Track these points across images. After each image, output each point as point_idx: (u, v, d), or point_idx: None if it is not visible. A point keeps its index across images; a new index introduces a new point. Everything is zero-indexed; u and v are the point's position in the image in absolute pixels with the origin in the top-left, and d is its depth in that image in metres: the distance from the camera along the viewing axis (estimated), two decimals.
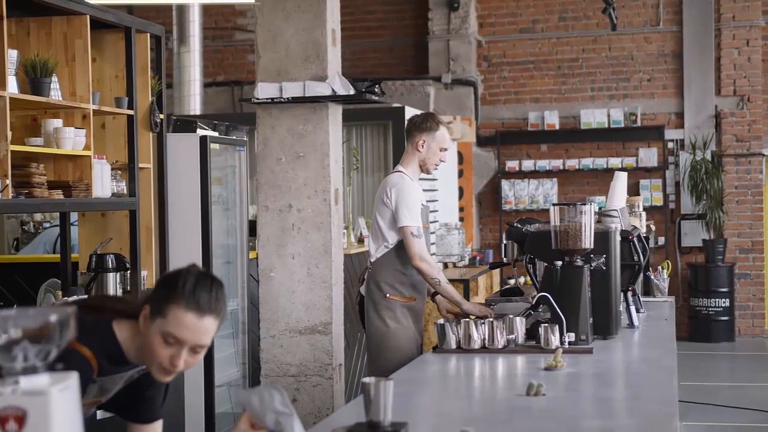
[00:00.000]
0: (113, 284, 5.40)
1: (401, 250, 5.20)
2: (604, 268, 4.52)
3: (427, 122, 5.31)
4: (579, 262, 4.40)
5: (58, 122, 5.02)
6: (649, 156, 12.61)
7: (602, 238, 4.54)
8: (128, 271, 5.56)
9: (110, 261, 5.41)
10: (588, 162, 12.71)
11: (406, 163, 5.34)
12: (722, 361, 11.54)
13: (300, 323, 5.77)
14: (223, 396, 6.65)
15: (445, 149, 5.34)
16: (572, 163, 12.75)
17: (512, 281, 12.32)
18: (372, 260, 5.32)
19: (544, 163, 12.82)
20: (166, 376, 2.63)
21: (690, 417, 8.18)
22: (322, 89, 5.83)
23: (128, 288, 5.60)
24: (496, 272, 11.29)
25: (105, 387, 2.70)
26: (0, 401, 1.71)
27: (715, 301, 12.19)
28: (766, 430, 8.06)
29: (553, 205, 4.47)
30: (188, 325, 2.55)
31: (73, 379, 1.79)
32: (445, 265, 10.30)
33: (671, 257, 12.56)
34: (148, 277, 5.85)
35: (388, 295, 5.20)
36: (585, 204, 4.43)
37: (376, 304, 5.23)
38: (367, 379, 2.75)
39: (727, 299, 12.22)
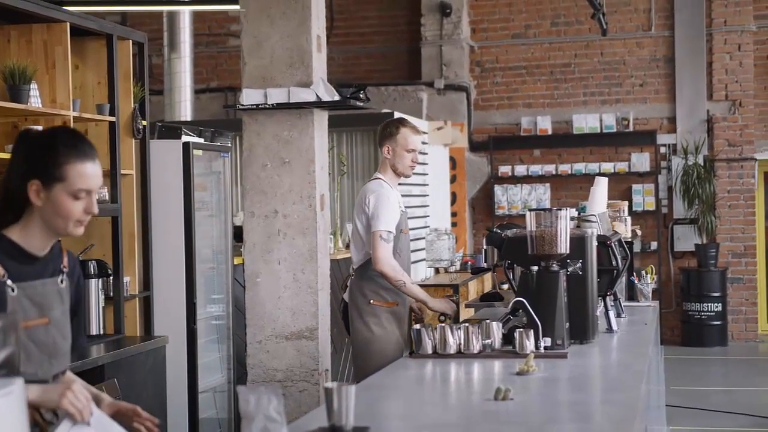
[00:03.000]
0: (95, 290, 5.41)
1: None
2: (581, 273, 4.53)
3: (387, 128, 5.48)
4: (555, 267, 4.40)
5: (38, 129, 5.03)
6: (641, 161, 12.62)
7: (579, 243, 4.54)
8: (110, 278, 5.58)
9: (92, 267, 5.42)
10: (580, 167, 12.73)
11: (382, 171, 5.48)
12: (714, 365, 11.54)
13: (286, 329, 5.78)
14: (208, 401, 6.66)
15: (413, 150, 5.42)
16: (565, 168, 12.77)
17: (506, 286, 12.33)
18: (354, 267, 5.42)
19: (536, 169, 12.84)
20: (80, 228, 2.75)
21: (679, 422, 8.19)
22: (306, 95, 5.85)
23: (111, 294, 5.61)
24: (488, 277, 11.30)
25: (36, 299, 2.72)
26: None
27: (708, 306, 12.20)
28: None
29: (530, 210, 4.48)
30: (90, 174, 2.72)
31: (17, 385, 1.81)
32: (436, 271, 10.32)
33: (664, 262, 12.58)
34: (131, 283, 5.87)
35: (372, 301, 5.30)
36: (561, 209, 4.44)
37: (360, 310, 5.32)
38: (329, 384, 2.77)
39: (720, 304, 12.22)
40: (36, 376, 2.66)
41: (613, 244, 5.06)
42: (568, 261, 4.49)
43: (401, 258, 5.41)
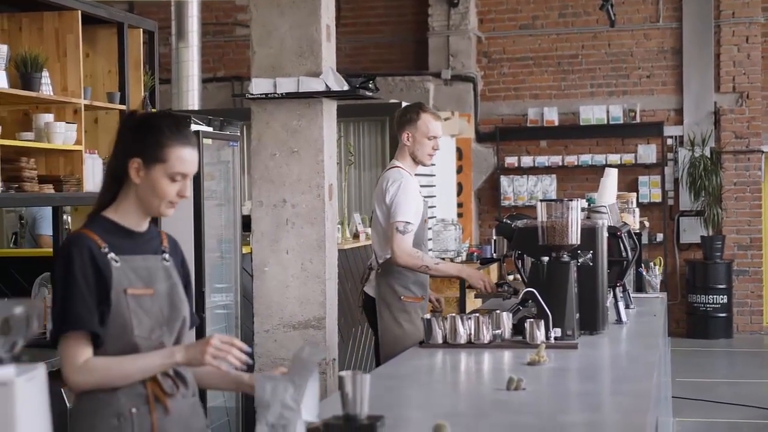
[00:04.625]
0: None
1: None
2: (591, 263, 4.53)
3: (407, 114, 5.28)
4: (566, 258, 4.40)
5: (49, 117, 5.04)
6: (648, 152, 12.62)
7: (589, 233, 4.54)
8: None
9: None
10: (587, 158, 12.72)
11: (400, 158, 5.31)
12: (720, 357, 11.56)
13: (294, 318, 5.79)
14: (215, 390, 6.67)
15: (433, 137, 5.24)
16: (571, 160, 12.76)
17: (511, 277, 12.34)
18: (380, 261, 5.22)
19: (543, 160, 12.84)
20: (171, 209, 2.88)
21: (685, 413, 8.20)
22: (316, 85, 5.85)
23: None
24: (494, 267, 11.31)
25: (140, 272, 2.85)
26: None
27: (713, 298, 12.21)
28: (761, 426, 8.06)
29: (540, 200, 4.48)
30: (188, 159, 2.84)
31: (39, 371, 1.82)
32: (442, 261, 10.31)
33: (670, 254, 12.57)
34: None
35: (402, 297, 5.14)
36: (572, 200, 4.43)
37: (390, 307, 5.15)
38: (343, 373, 2.77)
39: (725, 296, 12.23)
40: (150, 340, 2.83)
41: (623, 235, 5.06)
42: (579, 252, 4.49)
43: (424, 248, 5.29)
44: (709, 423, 8.12)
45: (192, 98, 10.60)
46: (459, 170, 12.40)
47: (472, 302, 9.25)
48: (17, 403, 1.75)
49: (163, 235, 3.01)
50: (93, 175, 5.28)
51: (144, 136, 2.83)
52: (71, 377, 2.77)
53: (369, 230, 8.37)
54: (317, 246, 5.87)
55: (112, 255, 2.79)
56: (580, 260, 4.49)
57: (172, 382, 2.87)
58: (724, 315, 12.25)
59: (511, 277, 12.01)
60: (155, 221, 3.13)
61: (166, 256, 2.95)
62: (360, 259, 7.75)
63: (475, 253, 11.03)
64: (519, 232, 4.70)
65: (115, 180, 2.86)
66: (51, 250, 5.77)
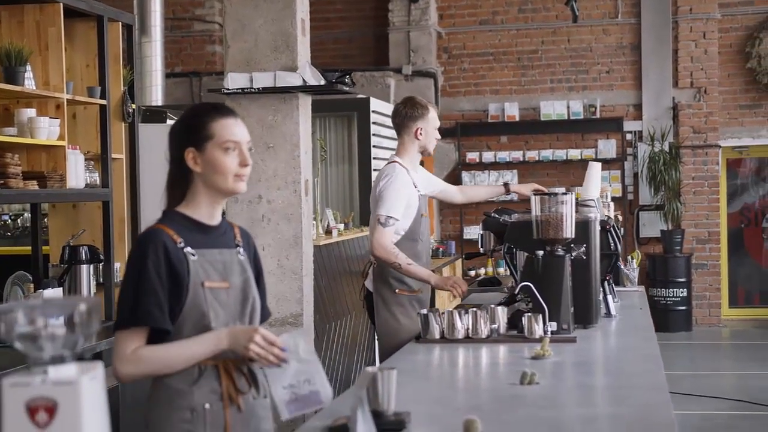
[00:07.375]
0: (86, 276, 5.33)
1: (406, 243, 5.13)
2: (585, 257, 4.54)
3: (417, 110, 5.30)
4: (560, 252, 4.41)
5: (31, 112, 4.94)
6: (608, 147, 12.71)
7: (582, 227, 4.55)
8: (101, 263, 5.50)
9: (83, 253, 5.33)
10: (548, 153, 12.78)
11: (402, 153, 5.31)
12: (680, 350, 11.67)
13: (270, 315, 5.75)
14: None
15: (437, 127, 5.40)
16: (532, 155, 12.81)
17: (473, 272, 12.38)
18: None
19: (504, 155, 12.88)
20: (241, 183, 2.88)
21: None
22: (292, 79, 5.81)
23: (101, 280, 5.53)
24: (459, 263, 11.35)
25: (216, 266, 2.86)
26: (29, 391, 1.69)
27: (673, 291, 12.34)
28: (726, 416, 8.17)
29: (535, 194, 4.48)
30: (233, 126, 2.88)
31: (99, 368, 1.78)
32: None
33: (630, 248, 12.67)
34: (122, 269, 5.78)
35: (397, 290, 5.15)
36: (566, 193, 4.44)
37: (385, 300, 5.16)
38: (371, 369, 2.75)
39: (685, 289, 12.36)
40: None
41: (611, 228, 5.08)
42: (572, 245, 4.49)
43: (422, 243, 5.28)
44: (677, 415, 8.18)
45: (156, 93, 10.47)
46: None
47: (442, 300, 9.26)
48: (83, 401, 1.71)
49: (235, 229, 3.01)
50: (76, 171, 5.19)
51: (188, 127, 2.89)
52: (117, 367, 2.79)
53: (341, 226, 8.35)
54: (294, 242, 5.84)
55: (188, 249, 2.83)
56: (574, 254, 4.49)
57: (245, 380, 2.87)
58: (683, 308, 12.39)
59: (472, 273, 12.06)
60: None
61: (241, 250, 2.96)
62: (333, 256, 7.72)
63: (440, 249, 11.07)
64: (512, 226, 4.69)
65: (180, 179, 2.89)
66: (29, 248, 5.66)
